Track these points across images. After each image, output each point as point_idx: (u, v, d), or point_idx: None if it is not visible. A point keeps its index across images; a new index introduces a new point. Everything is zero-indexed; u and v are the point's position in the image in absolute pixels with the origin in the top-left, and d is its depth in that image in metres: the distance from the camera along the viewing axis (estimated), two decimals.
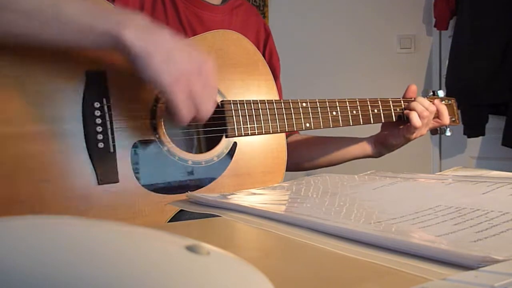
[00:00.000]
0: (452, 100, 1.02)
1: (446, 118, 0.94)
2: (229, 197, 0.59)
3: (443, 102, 1.00)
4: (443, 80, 2.33)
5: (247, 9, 0.98)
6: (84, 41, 0.58)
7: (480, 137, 2.23)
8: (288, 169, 0.84)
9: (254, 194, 0.64)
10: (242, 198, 0.59)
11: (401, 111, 0.91)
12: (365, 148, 0.96)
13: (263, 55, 0.89)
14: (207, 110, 0.62)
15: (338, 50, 2.55)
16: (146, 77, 0.58)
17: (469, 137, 2.20)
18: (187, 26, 0.83)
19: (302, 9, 2.54)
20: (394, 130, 0.92)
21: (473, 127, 2.15)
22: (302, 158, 1.00)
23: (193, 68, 0.60)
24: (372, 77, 2.50)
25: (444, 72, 2.35)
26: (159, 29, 0.59)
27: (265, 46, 0.99)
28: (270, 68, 0.84)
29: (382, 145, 0.95)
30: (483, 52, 2.04)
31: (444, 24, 2.37)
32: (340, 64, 2.54)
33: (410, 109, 0.90)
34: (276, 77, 0.98)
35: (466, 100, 2.11)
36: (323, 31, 2.54)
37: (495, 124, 2.14)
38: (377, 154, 0.96)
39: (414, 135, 0.90)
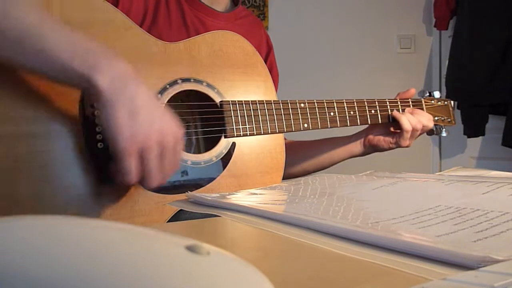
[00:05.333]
0: (448, 101, 1.03)
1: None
2: (228, 197, 0.59)
3: (439, 103, 1.00)
4: (443, 80, 2.34)
5: (252, 21, 0.98)
6: (62, 79, 0.57)
7: (480, 137, 2.24)
8: None
9: (254, 194, 0.64)
10: (242, 198, 0.59)
11: (398, 111, 0.91)
12: (352, 149, 0.95)
13: None
14: (152, 182, 0.58)
15: (338, 50, 2.55)
16: (104, 125, 0.55)
17: (469, 137, 2.20)
18: (192, 28, 0.83)
19: (302, 9, 2.54)
20: (387, 136, 0.92)
21: (473, 127, 2.16)
22: (289, 165, 0.97)
23: (155, 135, 0.56)
24: (372, 77, 2.50)
25: (444, 72, 2.36)
26: (136, 81, 0.56)
27: (266, 59, 0.99)
28: None
29: (372, 148, 0.94)
30: (483, 52, 2.05)
31: (444, 24, 2.37)
32: (340, 64, 2.54)
33: (399, 114, 0.90)
34: None
35: (466, 100, 2.11)
36: (323, 31, 2.54)
37: (495, 124, 2.14)
38: (363, 155, 0.96)
39: (408, 143, 0.91)
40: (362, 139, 0.95)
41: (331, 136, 0.99)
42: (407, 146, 0.92)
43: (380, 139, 0.92)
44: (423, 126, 0.91)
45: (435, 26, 2.42)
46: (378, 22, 2.53)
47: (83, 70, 0.54)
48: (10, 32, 0.55)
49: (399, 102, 0.93)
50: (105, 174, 0.63)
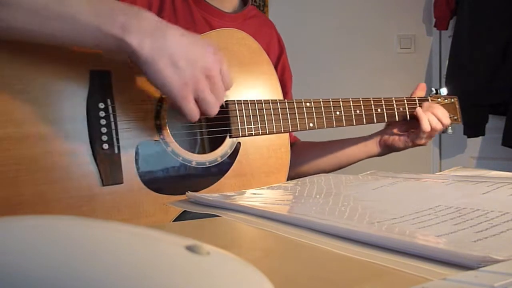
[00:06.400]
0: (455, 99, 1.02)
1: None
2: (229, 197, 0.59)
3: (446, 100, 1.00)
4: (443, 80, 2.34)
5: (262, 22, 0.97)
6: (89, 41, 0.57)
7: (480, 137, 2.23)
8: (292, 177, 0.83)
9: (255, 194, 0.64)
10: (243, 198, 0.59)
11: (410, 110, 0.91)
12: (370, 150, 0.95)
13: (275, 70, 0.88)
14: (213, 112, 0.62)
15: (338, 50, 2.55)
16: (153, 82, 0.58)
17: (469, 137, 2.20)
18: (199, 26, 0.83)
19: (302, 9, 2.54)
20: (403, 135, 0.92)
21: (473, 127, 2.16)
22: (305, 165, 0.97)
23: (200, 72, 0.59)
24: (372, 77, 2.50)
25: (444, 72, 2.36)
26: (166, 29, 0.58)
27: (278, 61, 0.98)
28: (281, 84, 0.83)
29: (388, 148, 0.94)
30: (483, 52, 2.04)
31: (444, 24, 2.37)
32: (340, 64, 2.54)
33: (421, 113, 0.89)
34: (286, 93, 0.97)
35: (466, 100, 2.10)
36: (323, 31, 2.54)
37: (495, 124, 2.14)
38: (380, 155, 0.96)
39: (424, 142, 0.90)
40: (378, 139, 0.95)
41: (345, 136, 0.99)
42: (423, 145, 0.91)
43: (395, 139, 0.92)
44: (443, 125, 0.90)
45: (435, 26, 2.42)
46: (378, 22, 2.53)
47: (114, 34, 0.55)
48: (39, 6, 0.54)
49: (405, 101, 0.92)
50: (110, 176, 0.63)
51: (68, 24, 0.55)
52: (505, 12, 2.00)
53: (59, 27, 0.56)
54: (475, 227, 0.37)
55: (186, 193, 0.61)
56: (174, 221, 0.67)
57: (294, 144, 1.01)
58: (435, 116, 0.89)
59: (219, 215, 0.50)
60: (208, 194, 0.60)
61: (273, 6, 2.54)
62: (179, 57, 0.58)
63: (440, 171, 2.08)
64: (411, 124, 0.91)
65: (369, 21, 2.53)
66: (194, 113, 0.60)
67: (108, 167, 0.63)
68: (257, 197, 0.62)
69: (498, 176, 0.65)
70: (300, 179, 0.72)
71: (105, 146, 0.63)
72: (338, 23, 2.54)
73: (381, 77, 2.48)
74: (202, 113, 0.62)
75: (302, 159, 0.98)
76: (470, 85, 2.09)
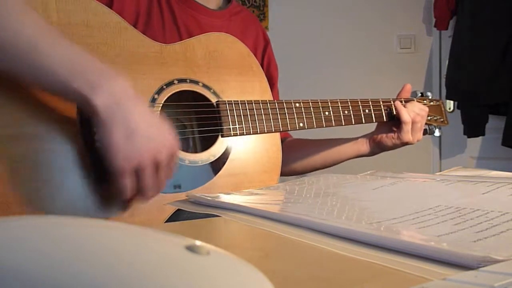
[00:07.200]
0: (440, 101, 1.05)
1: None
2: (228, 197, 0.59)
3: (431, 103, 1.01)
4: (443, 80, 2.33)
5: (246, 16, 0.98)
6: (55, 91, 0.57)
7: (480, 137, 2.23)
8: (283, 173, 0.84)
9: (254, 194, 0.64)
10: (242, 198, 0.59)
11: (391, 110, 0.93)
12: (359, 148, 0.97)
13: (261, 63, 0.89)
14: (146, 198, 0.61)
15: (338, 50, 2.54)
16: (102, 145, 0.57)
17: (469, 137, 2.20)
18: (183, 29, 0.83)
19: (302, 9, 2.54)
20: (390, 132, 0.93)
21: (473, 127, 2.15)
22: (295, 161, 1.00)
23: (150, 154, 0.57)
24: (372, 77, 2.49)
25: (444, 72, 2.35)
26: (133, 101, 0.57)
27: (264, 54, 1.00)
28: (267, 77, 0.85)
29: (377, 146, 0.96)
30: (483, 52, 2.04)
31: (444, 24, 2.37)
32: (340, 64, 2.54)
33: (399, 105, 0.92)
34: (272, 85, 0.98)
35: (466, 100, 2.11)
36: (323, 31, 2.54)
37: (495, 124, 2.14)
38: (370, 154, 0.98)
39: (411, 138, 0.91)
40: (368, 138, 0.97)
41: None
42: (411, 141, 0.92)
43: (383, 136, 0.94)
44: (421, 116, 0.92)
45: (435, 26, 2.41)
46: (378, 22, 2.52)
47: (81, 90, 0.55)
48: (7, 45, 0.54)
49: (392, 102, 0.94)
50: (103, 174, 0.63)
51: (37, 70, 0.55)
52: (505, 12, 2.00)
53: (27, 69, 0.55)
54: (475, 227, 0.37)
55: (186, 193, 0.61)
56: (168, 219, 0.68)
57: (285, 140, 1.02)
58: (413, 110, 0.92)
59: (219, 215, 0.50)
60: (207, 194, 0.60)
61: (273, 6, 2.53)
62: (135, 131, 0.56)
63: (440, 171, 2.08)
64: (398, 123, 0.93)
65: (369, 21, 2.53)
66: (125, 190, 0.58)
67: (101, 166, 0.63)
68: (256, 197, 0.62)
69: (498, 176, 0.65)
70: (300, 179, 0.73)
71: (98, 144, 0.63)
72: (338, 23, 2.54)
73: (381, 77, 2.48)
74: (135, 195, 0.59)
75: (293, 155, 1.00)
76: (470, 85, 2.09)
